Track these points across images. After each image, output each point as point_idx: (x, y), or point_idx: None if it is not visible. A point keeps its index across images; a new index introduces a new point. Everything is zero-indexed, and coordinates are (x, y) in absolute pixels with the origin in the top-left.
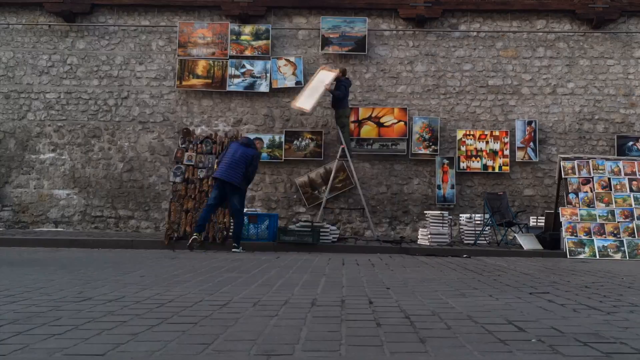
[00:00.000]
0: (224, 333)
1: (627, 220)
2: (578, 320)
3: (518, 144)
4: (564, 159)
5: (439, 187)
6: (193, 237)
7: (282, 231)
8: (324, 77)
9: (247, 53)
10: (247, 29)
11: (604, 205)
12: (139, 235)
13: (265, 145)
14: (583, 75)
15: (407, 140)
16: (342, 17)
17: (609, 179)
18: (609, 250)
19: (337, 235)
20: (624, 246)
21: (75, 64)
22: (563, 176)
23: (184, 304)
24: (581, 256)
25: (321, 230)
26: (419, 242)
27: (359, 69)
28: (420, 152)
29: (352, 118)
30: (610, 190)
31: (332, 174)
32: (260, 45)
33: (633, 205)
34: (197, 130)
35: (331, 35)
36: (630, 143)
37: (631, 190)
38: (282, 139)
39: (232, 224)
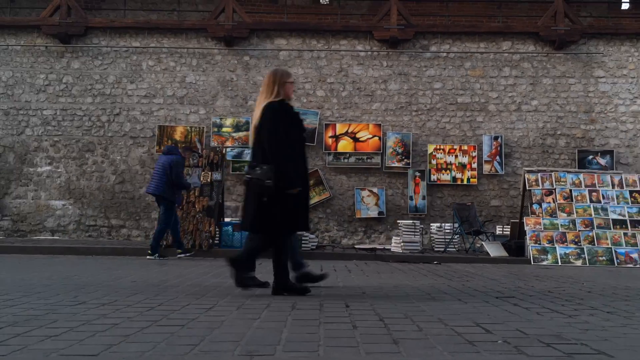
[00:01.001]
0: (210, 335)
1: (587, 229)
2: (541, 322)
3: (485, 157)
4: (528, 171)
5: (411, 198)
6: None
7: None
8: None
9: (228, 144)
10: (228, 121)
11: (565, 215)
12: (130, 243)
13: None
14: (546, 93)
15: (381, 154)
16: (296, 109)
17: (571, 190)
18: (570, 257)
19: (316, 243)
20: (584, 253)
21: (71, 82)
22: (527, 188)
23: (172, 308)
24: (544, 263)
25: (301, 238)
26: (392, 249)
27: (336, 87)
28: (393, 165)
29: (330, 133)
30: (572, 201)
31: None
32: (241, 136)
33: (593, 215)
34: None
35: None
36: (591, 157)
37: (591, 201)
38: None
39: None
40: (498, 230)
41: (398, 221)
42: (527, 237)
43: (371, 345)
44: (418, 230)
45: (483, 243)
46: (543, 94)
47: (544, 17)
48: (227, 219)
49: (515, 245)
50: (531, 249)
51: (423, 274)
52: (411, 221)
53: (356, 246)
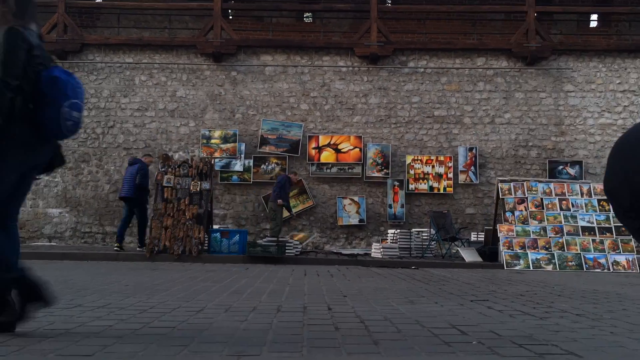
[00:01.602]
0: (199, 336)
1: (558, 235)
2: (514, 324)
3: (460, 167)
4: (501, 181)
5: (390, 206)
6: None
7: (251, 245)
8: None
9: (217, 155)
10: (217, 133)
11: (537, 222)
12: (124, 249)
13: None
14: (518, 106)
15: (362, 165)
16: (281, 122)
17: (542, 199)
18: (541, 262)
19: (300, 249)
20: (554, 259)
21: None
22: (500, 196)
23: (163, 310)
24: (517, 268)
25: (286, 244)
26: (372, 255)
27: (319, 101)
28: (373, 175)
29: (313, 145)
30: (543, 209)
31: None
32: (229, 148)
33: (563, 223)
34: (175, 155)
35: (269, 136)
36: (560, 167)
37: (561, 209)
38: (251, 164)
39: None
40: (473, 236)
41: (380, 228)
42: (501, 243)
43: (352, 346)
44: (397, 237)
45: (458, 249)
46: (515, 108)
47: (516, 35)
48: (215, 226)
49: (489, 251)
50: (504, 254)
51: (402, 278)
52: (393, 230)
53: (341, 251)
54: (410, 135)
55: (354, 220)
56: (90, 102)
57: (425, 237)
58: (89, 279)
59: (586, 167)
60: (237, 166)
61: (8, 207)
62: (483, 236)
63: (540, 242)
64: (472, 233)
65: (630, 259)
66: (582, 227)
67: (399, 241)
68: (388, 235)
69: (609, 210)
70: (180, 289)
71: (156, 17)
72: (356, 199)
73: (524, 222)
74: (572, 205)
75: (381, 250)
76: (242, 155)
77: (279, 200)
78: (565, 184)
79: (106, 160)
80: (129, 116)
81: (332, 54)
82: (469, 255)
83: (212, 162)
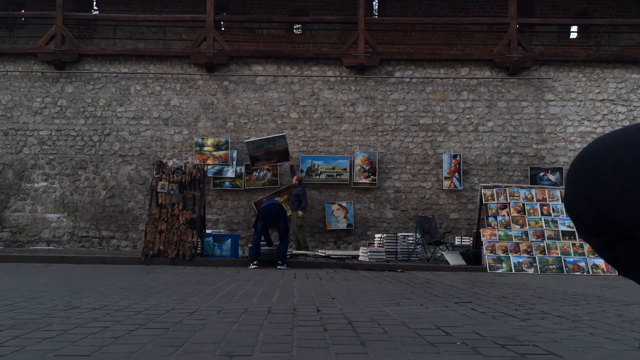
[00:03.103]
0: (193, 337)
1: (539, 240)
2: (497, 325)
3: (445, 174)
4: (485, 187)
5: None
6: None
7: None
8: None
9: (209, 162)
10: (209, 141)
11: (519, 227)
12: (119, 252)
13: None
14: (501, 115)
15: (350, 171)
16: (264, 138)
17: (523, 204)
18: (523, 265)
19: (290, 253)
20: (536, 262)
21: (65, 105)
22: (484, 202)
23: (158, 312)
24: (499, 271)
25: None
26: (360, 258)
27: (309, 110)
28: (361, 181)
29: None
30: (524, 214)
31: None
32: (221, 155)
33: (544, 227)
34: (169, 162)
35: (257, 154)
36: (542, 174)
37: (542, 214)
38: (243, 171)
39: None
40: (457, 240)
41: (367, 232)
42: (484, 247)
43: (340, 347)
44: (383, 241)
45: (443, 253)
46: (498, 116)
47: (499, 46)
48: (208, 231)
49: (472, 255)
50: (487, 258)
51: (388, 281)
52: (380, 234)
53: (329, 254)
54: (396, 142)
55: (342, 225)
56: (87, 111)
57: (411, 242)
58: (86, 281)
59: (566, 173)
60: (229, 173)
61: None
62: (467, 240)
63: (522, 246)
64: (456, 237)
65: None
66: (562, 231)
67: (386, 245)
68: (375, 239)
69: None
70: (174, 291)
71: (151, 29)
72: (344, 204)
73: (507, 226)
74: (553, 211)
75: (368, 254)
76: (234, 162)
77: (299, 212)
78: (546, 190)
79: (102, 167)
80: (124, 124)
81: (320, 64)
82: (453, 259)
83: (205, 168)
